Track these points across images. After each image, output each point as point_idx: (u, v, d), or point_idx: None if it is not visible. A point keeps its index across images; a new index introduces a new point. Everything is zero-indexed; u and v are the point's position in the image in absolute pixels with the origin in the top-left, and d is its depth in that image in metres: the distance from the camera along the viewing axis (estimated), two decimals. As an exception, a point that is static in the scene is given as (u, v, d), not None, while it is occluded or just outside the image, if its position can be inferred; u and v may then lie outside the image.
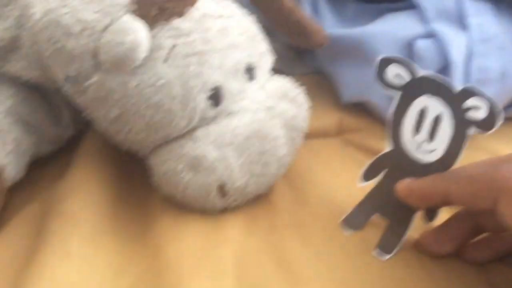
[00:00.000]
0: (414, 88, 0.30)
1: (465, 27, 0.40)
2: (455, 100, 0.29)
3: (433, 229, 0.32)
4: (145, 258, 0.31)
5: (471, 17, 0.40)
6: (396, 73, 0.30)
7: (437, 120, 0.30)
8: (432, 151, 0.30)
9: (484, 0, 0.41)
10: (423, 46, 0.40)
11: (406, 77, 0.30)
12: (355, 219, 0.34)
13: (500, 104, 0.42)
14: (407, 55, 0.41)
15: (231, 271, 0.30)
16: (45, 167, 0.40)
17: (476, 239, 0.31)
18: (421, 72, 0.30)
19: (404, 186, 0.31)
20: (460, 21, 0.40)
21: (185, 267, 0.30)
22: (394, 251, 0.31)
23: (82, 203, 0.33)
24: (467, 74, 0.40)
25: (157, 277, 0.30)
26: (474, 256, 0.31)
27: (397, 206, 0.31)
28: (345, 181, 0.38)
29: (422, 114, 0.30)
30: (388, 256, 0.31)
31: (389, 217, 0.33)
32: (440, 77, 0.29)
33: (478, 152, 0.41)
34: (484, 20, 0.40)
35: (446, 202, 0.29)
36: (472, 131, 0.29)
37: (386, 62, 0.31)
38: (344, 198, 0.36)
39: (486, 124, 0.28)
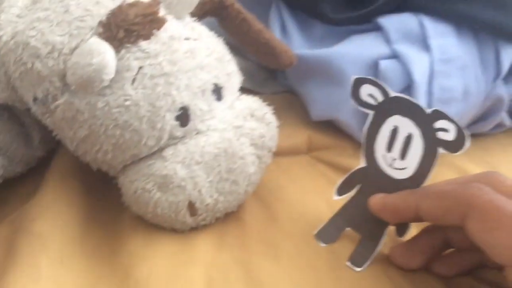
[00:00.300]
0: (387, 108, 0.31)
1: (427, 48, 0.41)
2: (426, 121, 0.30)
3: (402, 243, 0.32)
4: (115, 278, 0.31)
5: (432, 38, 0.41)
6: (369, 93, 0.32)
7: (408, 139, 0.31)
8: (404, 168, 0.31)
9: (445, 22, 0.42)
10: (387, 66, 0.41)
11: (378, 97, 0.31)
12: (328, 233, 0.34)
13: (464, 121, 0.43)
14: (373, 74, 0.42)
15: None
16: (15, 187, 0.40)
17: (444, 253, 0.32)
18: (393, 93, 0.31)
19: (377, 200, 0.31)
20: (423, 42, 0.42)
21: (155, 287, 0.30)
22: (365, 264, 0.32)
23: (51, 224, 0.33)
24: (429, 93, 0.41)
25: None
26: (442, 270, 0.31)
27: (369, 221, 0.32)
28: (315, 198, 0.39)
29: (394, 133, 0.31)
30: (359, 269, 0.32)
31: (361, 231, 0.33)
32: (411, 99, 0.31)
33: (446, 169, 0.42)
34: (445, 42, 0.41)
35: (417, 218, 0.30)
36: (441, 151, 0.30)
37: (359, 82, 0.32)
38: (314, 215, 0.37)
39: (454, 146, 0.29)
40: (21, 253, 0.31)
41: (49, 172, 0.38)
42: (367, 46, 0.43)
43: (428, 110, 0.30)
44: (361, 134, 0.44)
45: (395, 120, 0.31)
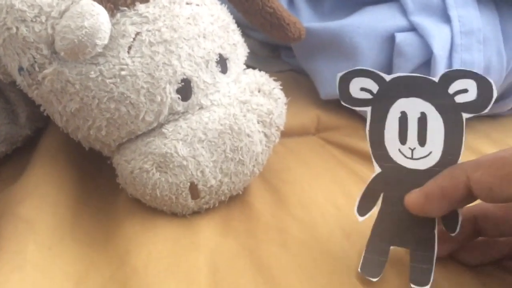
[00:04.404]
0: (386, 95, 0.28)
1: (447, 20, 0.39)
2: (437, 91, 0.27)
3: None
4: (109, 266, 0.30)
5: (453, 9, 0.39)
6: (361, 87, 0.28)
7: (422, 121, 0.27)
8: (428, 154, 0.28)
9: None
10: (404, 39, 0.39)
11: (373, 87, 0.28)
12: (373, 263, 0.29)
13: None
14: (388, 48, 0.40)
15: (205, 279, 0.29)
16: (-1, 169, 0.38)
17: (472, 242, 0.30)
18: (389, 77, 0.28)
19: (417, 194, 0.27)
20: (442, 13, 0.40)
21: (153, 275, 0.29)
22: (431, 280, 0.27)
23: (39, 207, 0.32)
24: (449, 68, 0.39)
25: (123, 286, 0.29)
26: (468, 259, 0.30)
27: (412, 229, 0.28)
28: (325, 181, 0.38)
29: (403, 120, 0.28)
30: (427, 287, 0.28)
31: (409, 244, 0.29)
32: (411, 74, 0.27)
33: (466, 153, 0.40)
34: (466, 13, 0.39)
35: (468, 195, 0.26)
36: (465, 116, 0.26)
37: (346, 78, 0.28)
38: (324, 199, 0.36)
39: (480, 104, 0.26)
40: (5, 238, 0.30)
41: (37, 151, 0.37)
42: (382, 17, 0.41)
43: (435, 78, 0.26)
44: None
45: (400, 105, 0.27)
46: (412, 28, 0.40)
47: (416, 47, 0.39)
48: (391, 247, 0.29)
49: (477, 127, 0.44)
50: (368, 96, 0.28)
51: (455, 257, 0.30)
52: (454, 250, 0.30)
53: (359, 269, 0.29)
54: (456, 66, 0.39)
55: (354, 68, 0.28)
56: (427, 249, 0.28)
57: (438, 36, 0.38)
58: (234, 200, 0.35)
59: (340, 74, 0.28)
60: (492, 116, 0.45)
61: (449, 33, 0.39)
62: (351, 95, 0.28)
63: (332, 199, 0.35)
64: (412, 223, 0.28)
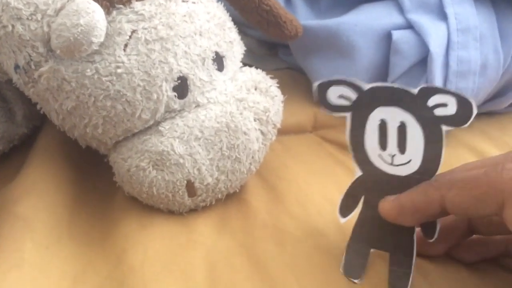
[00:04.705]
0: (365, 102, 0.28)
1: (444, 17, 0.39)
2: (416, 103, 0.26)
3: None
4: (106, 265, 0.30)
5: (449, 6, 0.39)
6: (339, 94, 0.28)
7: (402, 129, 0.27)
8: (408, 162, 0.27)
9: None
10: (401, 37, 0.39)
11: (351, 95, 0.28)
12: (353, 264, 0.30)
13: (481, 97, 0.41)
14: (385, 46, 0.40)
15: (202, 277, 0.29)
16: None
17: (467, 240, 0.30)
18: (367, 85, 0.27)
19: (391, 204, 0.28)
20: (439, 10, 0.39)
21: (151, 273, 0.29)
22: (409, 283, 0.28)
23: (36, 205, 0.32)
24: (446, 66, 0.39)
25: (120, 285, 0.28)
26: (464, 256, 0.30)
27: (391, 233, 0.28)
28: (322, 178, 0.38)
29: (383, 127, 0.27)
30: None
31: (387, 248, 0.29)
32: (389, 84, 0.27)
33: (463, 151, 0.40)
34: (462, 10, 0.39)
35: (442, 213, 0.26)
36: (444, 128, 0.26)
37: (323, 86, 0.28)
38: (320, 196, 0.35)
39: (460, 118, 0.26)
40: (2, 237, 0.30)
41: (34, 150, 0.37)
42: (378, 15, 0.40)
43: (414, 90, 0.26)
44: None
45: (379, 113, 0.27)
46: (409, 25, 0.39)
47: (412, 45, 0.39)
48: (372, 250, 0.29)
49: (474, 124, 0.43)
50: (346, 103, 0.28)
51: (452, 255, 0.30)
52: (450, 248, 0.30)
53: (340, 269, 0.29)
54: (453, 63, 0.38)
55: (331, 78, 0.28)
56: (406, 254, 0.28)
57: (435, 34, 0.38)
58: (231, 198, 0.34)
59: (316, 83, 0.28)
60: (488, 113, 0.45)
61: (445, 30, 0.39)
62: (330, 102, 0.28)
63: (328, 196, 0.35)
64: (391, 228, 0.28)
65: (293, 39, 0.39)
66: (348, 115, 0.28)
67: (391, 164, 0.28)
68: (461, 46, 0.39)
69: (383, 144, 0.28)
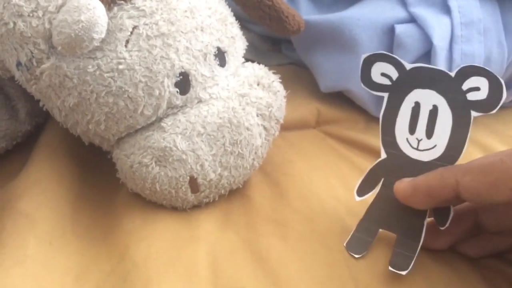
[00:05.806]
0: (404, 83, 0.28)
1: (447, 10, 0.39)
2: (452, 85, 0.27)
3: (430, 223, 0.30)
4: (109, 260, 0.30)
5: (452, 0, 0.38)
6: (382, 72, 0.29)
7: (433, 113, 0.28)
8: (432, 147, 0.28)
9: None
10: (404, 31, 0.39)
11: (393, 74, 0.28)
12: (360, 241, 0.30)
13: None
14: (388, 40, 0.40)
15: (205, 272, 0.29)
16: (-1, 164, 0.38)
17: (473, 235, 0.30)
18: (409, 66, 0.28)
19: (406, 184, 0.28)
20: (442, 3, 0.39)
21: (154, 269, 0.29)
22: (410, 266, 0.28)
23: (39, 202, 0.32)
24: (449, 60, 0.39)
25: (123, 281, 0.28)
26: (469, 252, 0.30)
27: (403, 216, 0.29)
28: (325, 174, 0.37)
29: (416, 110, 0.28)
30: (404, 273, 0.28)
31: (397, 230, 0.29)
32: (431, 66, 0.27)
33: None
34: (466, 3, 0.39)
35: (455, 198, 0.26)
36: (473, 114, 0.27)
37: (369, 60, 0.29)
38: (325, 192, 0.35)
39: (488, 103, 0.26)
40: (6, 233, 0.30)
41: (37, 147, 0.37)
42: (381, 9, 0.40)
43: (452, 73, 0.27)
44: (374, 105, 0.42)
45: (415, 95, 0.28)
46: (412, 19, 0.39)
47: (416, 39, 0.39)
48: (380, 230, 0.30)
49: (477, 118, 0.43)
50: (387, 82, 0.29)
51: (456, 250, 0.30)
52: (455, 242, 0.30)
53: (344, 244, 0.30)
54: (457, 57, 0.38)
55: (378, 52, 0.28)
56: (413, 238, 0.29)
57: (438, 27, 0.38)
58: (234, 193, 0.34)
59: (364, 56, 0.29)
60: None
61: (449, 24, 0.38)
62: (372, 79, 0.29)
63: (332, 191, 0.35)
64: (403, 211, 0.29)
65: (296, 34, 0.39)
66: (386, 95, 0.29)
67: (417, 148, 0.29)
68: (465, 40, 0.38)
69: (412, 128, 0.28)
